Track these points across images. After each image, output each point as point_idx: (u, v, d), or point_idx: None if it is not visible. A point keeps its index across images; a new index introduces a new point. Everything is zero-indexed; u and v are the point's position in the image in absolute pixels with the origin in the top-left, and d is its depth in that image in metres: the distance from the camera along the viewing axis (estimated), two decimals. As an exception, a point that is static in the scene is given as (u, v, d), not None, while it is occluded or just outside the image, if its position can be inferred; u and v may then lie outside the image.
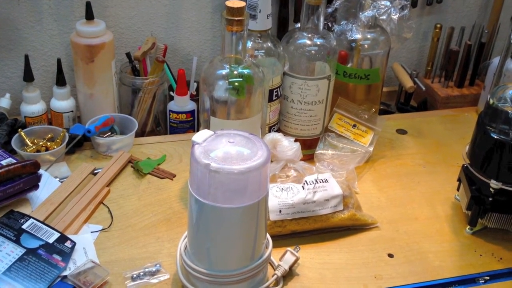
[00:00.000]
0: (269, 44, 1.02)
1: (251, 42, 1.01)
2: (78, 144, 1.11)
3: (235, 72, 0.91)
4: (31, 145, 1.08)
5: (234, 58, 0.91)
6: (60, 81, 1.15)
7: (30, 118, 1.14)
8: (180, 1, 1.25)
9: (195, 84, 1.24)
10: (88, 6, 1.11)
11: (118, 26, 1.24)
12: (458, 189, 1.04)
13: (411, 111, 1.38)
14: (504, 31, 1.37)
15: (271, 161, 1.00)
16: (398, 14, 1.08)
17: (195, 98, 1.22)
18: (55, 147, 1.08)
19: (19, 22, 1.18)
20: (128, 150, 1.12)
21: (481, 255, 0.94)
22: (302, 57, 1.06)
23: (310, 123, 1.10)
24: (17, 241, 0.86)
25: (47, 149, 1.08)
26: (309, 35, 1.05)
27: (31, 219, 0.90)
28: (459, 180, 1.03)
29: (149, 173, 1.07)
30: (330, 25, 1.13)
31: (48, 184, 1.00)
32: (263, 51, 1.02)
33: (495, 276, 0.90)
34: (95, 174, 1.05)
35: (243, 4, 0.87)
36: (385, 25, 1.10)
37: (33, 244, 0.86)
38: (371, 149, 1.13)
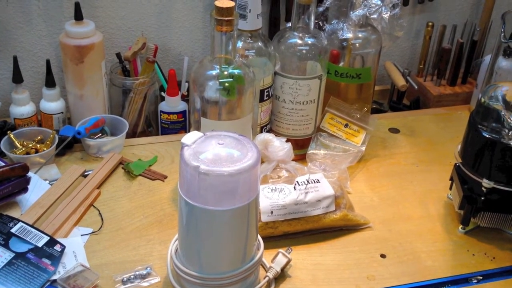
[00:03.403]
0: (260, 44, 1.02)
1: (242, 42, 1.00)
2: (68, 146, 1.10)
3: (226, 73, 0.90)
4: (21, 147, 1.07)
5: (224, 58, 0.90)
6: (50, 82, 1.14)
7: (20, 120, 1.13)
8: (171, 0, 1.24)
9: (187, 84, 1.23)
10: (77, 7, 1.10)
11: (108, 26, 1.23)
12: (450, 188, 1.03)
13: (404, 109, 1.37)
14: (496, 29, 1.36)
15: (263, 162, 1.00)
16: (389, 12, 1.08)
17: (186, 98, 1.22)
18: (45, 149, 1.07)
19: (8, 23, 1.17)
20: (119, 152, 1.12)
21: (473, 254, 0.94)
22: (293, 56, 1.05)
23: (302, 123, 1.10)
24: (5, 245, 0.85)
25: (36, 151, 1.07)
26: (300, 35, 1.05)
27: (20, 222, 0.89)
28: (451, 179, 1.02)
29: (140, 175, 1.07)
30: (321, 24, 1.13)
31: (38, 187, 0.99)
32: (253, 51, 1.01)
33: (488, 275, 0.90)
34: (85, 176, 1.04)
35: (232, 4, 0.86)
36: (376, 24, 1.10)
37: (22, 248, 0.85)
38: (363, 148, 1.13)
